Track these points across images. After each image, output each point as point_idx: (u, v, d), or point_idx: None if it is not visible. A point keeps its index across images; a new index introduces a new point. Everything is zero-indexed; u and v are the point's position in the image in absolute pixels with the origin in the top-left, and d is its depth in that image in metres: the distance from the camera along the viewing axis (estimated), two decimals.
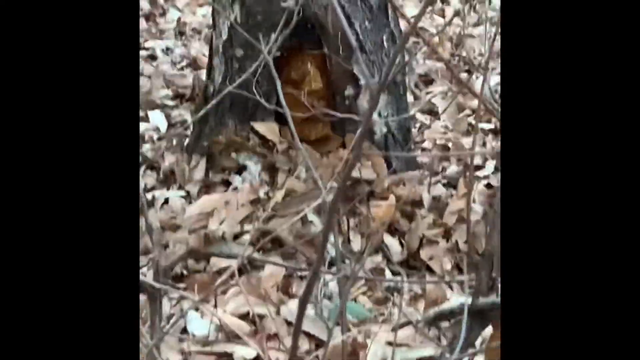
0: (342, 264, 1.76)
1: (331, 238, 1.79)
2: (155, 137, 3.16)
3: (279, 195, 2.55)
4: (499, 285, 1.44)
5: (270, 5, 2.58)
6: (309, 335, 2.02)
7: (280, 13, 2.48)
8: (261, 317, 2.06)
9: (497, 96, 2.81)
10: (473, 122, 3.19)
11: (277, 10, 2.54)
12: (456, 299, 2.08)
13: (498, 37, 1.72)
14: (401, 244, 2.47)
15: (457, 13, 3.59)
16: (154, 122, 3.33)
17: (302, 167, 2.56)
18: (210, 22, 3.04)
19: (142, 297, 1.72)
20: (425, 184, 2.69)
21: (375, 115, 2.62)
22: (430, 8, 4.98)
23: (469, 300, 1.45)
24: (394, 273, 2.34)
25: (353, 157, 0.90)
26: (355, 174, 2.60)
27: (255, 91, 2.49)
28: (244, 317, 2.04)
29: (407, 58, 3.05)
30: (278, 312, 2.12)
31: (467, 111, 3.28)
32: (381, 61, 2.62)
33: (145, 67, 3.88)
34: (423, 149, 3.09)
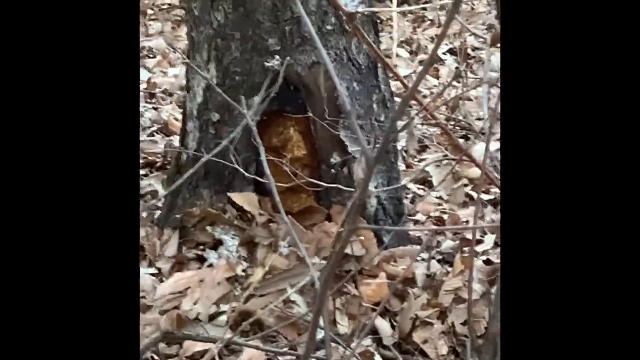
0: (330, 349, 1.76)
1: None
2: None
3: (258, 272, 2.51)
4: None
5: (250, 66, 2.58)
6: None
7: (260, 74, 2.53)
8: None
9: (497, 164, 2.84)
10: (470, 192, 3.21)
11: (257, 70, 2.56)
12: None
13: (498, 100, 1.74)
14: (392, 325, 2.43)
15: (458, 75, 3.63)
16: None
17: (283, 241, 2.56)
18: (184, 83, 3.05)
19: None
20: (419, 260, 2.66)
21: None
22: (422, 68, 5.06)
23: None
24: (384, 358, 2.32)
25: (346, 233, 0.91)
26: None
27: (232, 159, 2.50)
28: None
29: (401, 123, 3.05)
30: None
31: (464, 180, 3.29)
32: (371, 126, 2.63)
33: None
34: (416, 222, 3.06)
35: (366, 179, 0.76)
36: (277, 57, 2.54)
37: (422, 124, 3.96)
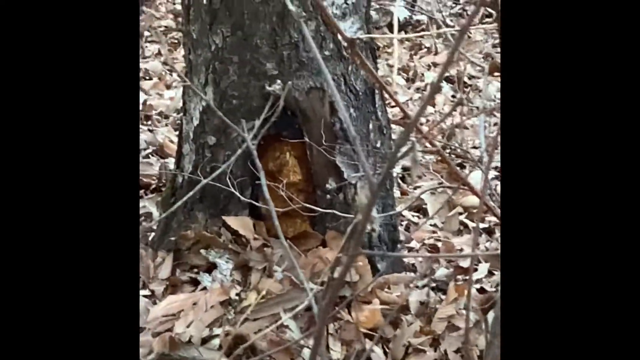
0: None
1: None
2: None
3: (252, 296, 2.52)
4: None
5: (247, 90, 2.59)
6: None
7: (257, 98, 2.54)
8: None
9: (495, 192, 2.85)
10: (464, 220, 3.22)
11: (254, 94, 2.57)
12: None
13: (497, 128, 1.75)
14: (385, 352, 2.43)
15: (459, 103, 3.64)
16: None
17: (277, 266, 2.57)
18: (180, 105, 3.05)
19: None
20: (413, 288, 2.66)
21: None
22: (419, 96, 5.05)
23: None
24: None
25: (348, 258, 0.92)
26: (335, 274, 2.53)
27: (229, 182, 2.52)
28: None
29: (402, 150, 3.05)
30: None
31: (459, 208, 3.29)
32: (368, 152, 2.63)
33: None
34: (410, 250, 3.06)
35: (369, 205, 0.77)
36: (278, 81, 2.55)
37: (419, 151, 3.96)
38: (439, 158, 3.81)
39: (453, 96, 4.85)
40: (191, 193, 2.19)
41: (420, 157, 3.92)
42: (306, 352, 2.29)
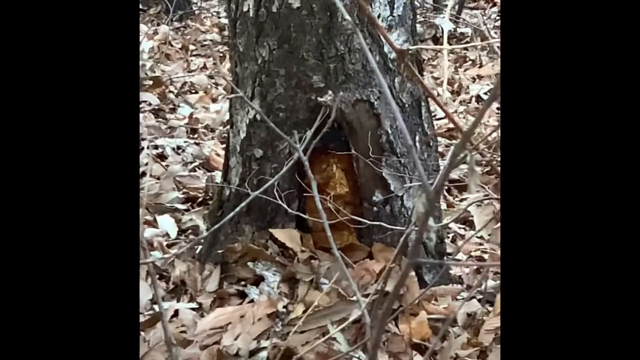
0: None
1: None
2: (164, 243, 3.13)
3: (299, 308, 2.53)
4: None
5: (294, 102, 2.59)
6: None
7: (304, 110, 2.56)
8: None
9: None
10: None
11: (300, 107, 2.58)
12: None
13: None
14: None
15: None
16: (162, 227, 3.32)
17: (324, 278, 2.56)
18: (226, 119, 3.06)
19: None
20: (460, 299, 2.64)
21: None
22: (464, 108, 5.03)
23: None
24: None
25: (406, 268, 0.92)
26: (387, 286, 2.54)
27: (275, 194, 2.52)
28: None
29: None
30: None
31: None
32: (413, 165, 2.63)
33: (154, 167, 3.88)
34: (457, 261, 3.06)
35: (427, 214, 0.77)
36: (329, 92, 2.55)
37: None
38: (486, 169, 3.79)
39: (498, 108, 4.85)
40: (239, 208, 2.20)
41: (477, 168, 3.91)
42: None
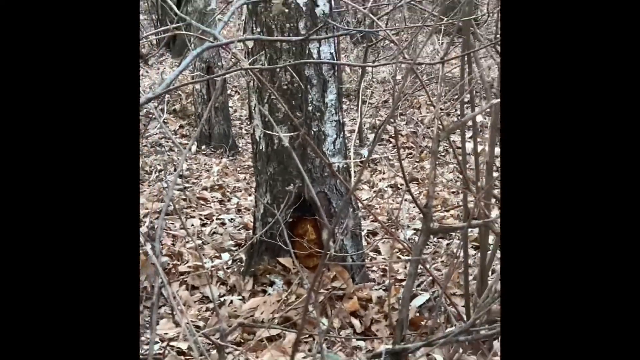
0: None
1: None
2: (225, 267, 3.34)
3: (292, 297, 2.91)
4: None
5: (286, 193, 2.96)
6: None
7: (290, 197, 2.95)
8: None
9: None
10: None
11: (289, 195, 2.95)
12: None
13: None
14: (360, 322, 2.81)
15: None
16: (223, 258, 3.49)
17: (303, 281, 2.84)
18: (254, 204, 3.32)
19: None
20: (373, 290, 3.01)
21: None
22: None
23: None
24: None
25: (319, 269, 1.17)
26: (335, 284, 2.93)
27: (279, 240, 2.97)
28: None
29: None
30: None
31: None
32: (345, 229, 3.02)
33: (218, 228, 4.07)
34: (373, 271, 3.33)
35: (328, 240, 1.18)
36: (297, 182, 2.92)
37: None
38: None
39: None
40: (258, 253, 2.60)
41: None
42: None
